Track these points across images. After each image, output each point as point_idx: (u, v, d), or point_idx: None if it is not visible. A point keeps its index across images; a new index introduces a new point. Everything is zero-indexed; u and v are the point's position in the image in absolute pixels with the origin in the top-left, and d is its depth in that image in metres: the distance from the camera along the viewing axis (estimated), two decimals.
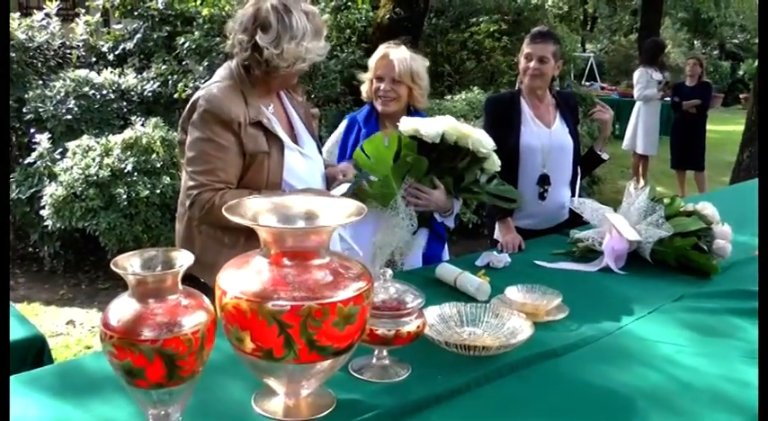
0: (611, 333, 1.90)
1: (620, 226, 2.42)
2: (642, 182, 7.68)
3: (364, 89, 2.74)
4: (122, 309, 1.18)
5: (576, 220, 2.90)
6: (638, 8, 18.32)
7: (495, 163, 2.48)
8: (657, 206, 2.51)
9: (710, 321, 2.01)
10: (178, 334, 1.16)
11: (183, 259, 1.23)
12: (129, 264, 1.20)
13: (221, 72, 2.18)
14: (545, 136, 3.01)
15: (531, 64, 2.99)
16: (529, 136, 2.99)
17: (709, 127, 7.97)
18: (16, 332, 1.89)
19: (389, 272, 1.58)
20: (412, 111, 2.68)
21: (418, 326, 1.57)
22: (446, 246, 2.75)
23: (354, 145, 2.63)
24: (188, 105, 2.13)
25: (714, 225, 2.48)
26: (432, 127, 2.35)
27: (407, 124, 2.40)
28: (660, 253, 2.44)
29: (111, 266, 1.16)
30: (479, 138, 2.38)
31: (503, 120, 3.00)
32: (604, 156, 3.19)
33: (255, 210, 1.36)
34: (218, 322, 1.30)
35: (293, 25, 2.03)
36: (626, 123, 8.80)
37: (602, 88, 14.03)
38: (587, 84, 14.27)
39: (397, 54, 2.62)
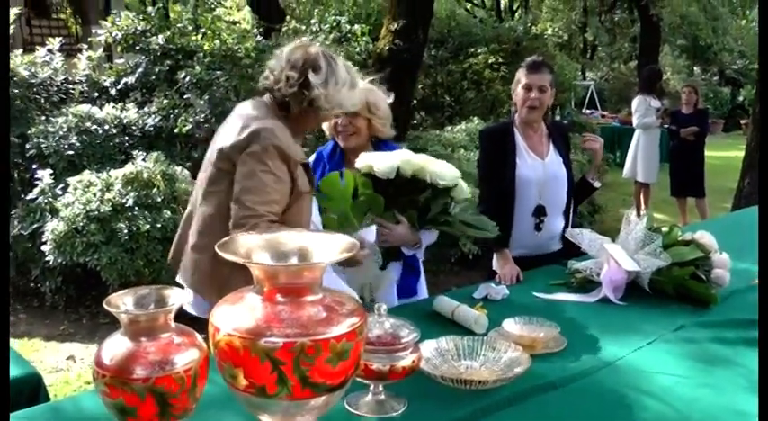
0: (610, 364, 1.90)
1: (618, 256, 2.42)
2: (644, 209, 7.69)
3: (326, 126, 2.70)
4: (115, 347, 1.19)
5: (570, 251, 2.89)
6: (636, 36, 18.50)
7: (462, 191, 2.44)
8: (655, 236, 2.51)
9: (710, 351, 2.00)
10: (170, 372, 1.17)
11: (176, 297, 1.24)
12: (121, 302, 1.21)
13: (259, 109, 2.23)
14: (539, 167, 3.00)
15: (532, 94, 2.98)
16: (524, 168, 2.98)
17: (709, 153, 7.99)
18: (12, 370, 1.89)
19: (384, 307, 1.58)
20: (377, 142, 2.67)
21: (413, 361, 1.57)
22: (422, 279, 2.73)
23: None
24: (243, 135, 2.14)
25: (712, 254, 2.48)
26: (385, 162, 2.34)
27: (362, 161, 2.40)
28: (659, 283, 2.44)
29: (104, 305, 1.16)
30: (436, 170, 2.35)
31: (498, 153, 3.00)
32: (596, 184, 3.21)
33: (249, 247, 1.37)
34: (213, 358, 1.31)
35: (338, 72, 2.19)
36: (627, 151, 8.83)
37: (603, 116, 14.09)
38: (588, 112, 14.35)
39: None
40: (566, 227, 3.07)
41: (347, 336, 1.30)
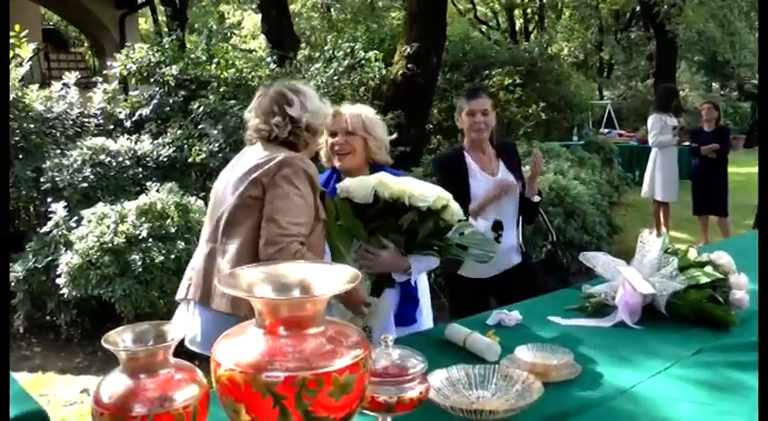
0: (626, 391, 1.86)
1: (633, 279, 2.39)
2: (664, 229, 7.60)
3: (322, 153, 2.71)
4: (114, 384, 1.19)
5: (526, 262, 3.36)
6: (653, 53, 18.47)
7: (453, 213, 2.38)
8: (671, 257, 2.49)
9: (730, 376, 1.96)
10: (169, 409, 1.17)
11: (175, 332, 1.24)
12: (120, 339, 1.21)
13: (272, 148, 2.34)
14: (492, 184, 3.30)
15: (476, 118, 3.31)
16: (477, 187, 3.29)
17: (731, 169, 7.91)
18: (16, 408, 1.89)
19: (391, 337, 1.57)
20: (375, 166, 2.66)
21: (421, 392, 1.55)
22: (422, 307, 2.70)
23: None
24: (275, 162, 2.24)
25: (730, 275, 2.44)
26: (361, 186, 2.33)
27: (341, 185, 2.40)
28: (676, 306, 2.40)
29: (103, 343, 1.17)
30: (415, 193, 2.29)
31: (452, 177, 3.28)
32: (535, 198, 3.42)
33: (250, 281, 1.37)
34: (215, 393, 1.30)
35: (304, 91, 2.41)
36: (645, 170, 8.77)
37: (621, 135, 14.01)
38: (605, 131, 14.27)
39: (348, 109, 2.67)
40: (523, 237, 3.45)
41: (350, 369, 1.28)
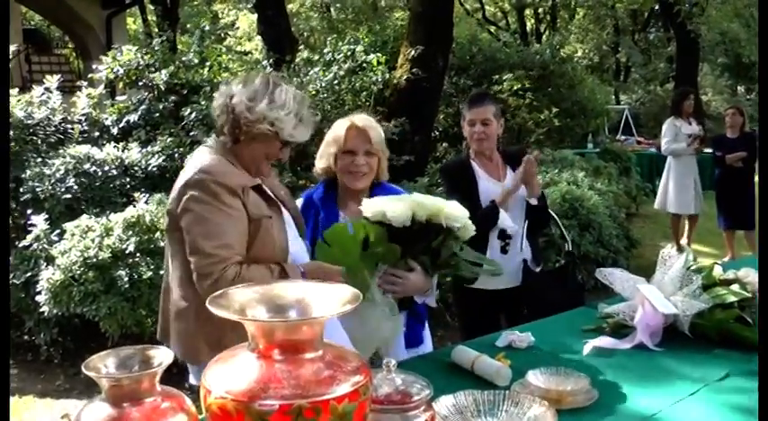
0: (647, 420, 1.85)
1: (654, 298, 2.37)
2: (685, 241, 7.56)
3: (321, 166, 2.69)
4: (95, 414, 1.18)
5: (531, 276, 3.37)
6: (673, 55, 18.52)
7: (469, 229, 2.41)
8: (694, 275, 2.47)
9: None
10: None
11: (163, 357, 1.23)
12: (102, 364, 1.20)
13: (202, 152, 2.29)
14: (498, 190, 3.35)
15: (476, 128, 3.36)
16: (485, 193, 3.36)
17: (760, 179, 7.88)
18: None
19: (393, 362, 1.56)
20: (375, 183, 2.69)
21: (426, 420, 1.54)
22: (426, 325, 2.73)
23: (313, 228, 2.62)
24: (178, 189, 2.19)
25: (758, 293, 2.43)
26: (398, 208, 2.29)
27: (372, 208, 2.33)
28: (700, 326, 2.38)
29: (83, 369, 1.16)
30: (451, 212, 2.33)
31: (459, 185, 3.36)
32: (532, 201, 3.40)
33: (242, 302, 1.36)
34: None
35: (275, 92, 2.23)
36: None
37: (639, 142, 14.01)
38: (622, 138, 14.28)
39: (366, 122, 2.63)
40: (535, 250, 3.47)
41: (350, 397, 1.27)
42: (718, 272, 2.55)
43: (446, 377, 2.06)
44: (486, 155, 3.46)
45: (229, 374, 1.29)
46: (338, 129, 2.65)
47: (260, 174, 2.34)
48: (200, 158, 2.24)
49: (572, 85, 10.43)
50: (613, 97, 21.61)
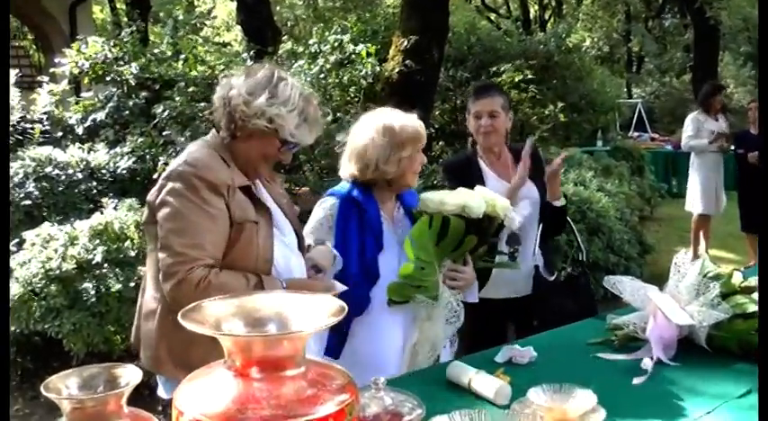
0: None
1: (667, 308, 2.39)
2: (703, 245, 7.57)
3: (393, 170, 2.65)
4: None
5: (541, 286, 3.35)
6: (690, 43, 18.58)
7: (515, 221, 2.74)
8: (712, 282, 2.49)
9: None
10: None
11: (130, 376, 1.23)
12: (64, 385, 1.21)
13: (196, 144, 2.31)
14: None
15: (482, 121, 3.35)
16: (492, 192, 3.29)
17: None
18: None
19: (382, 380, 1.57)
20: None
21: None
22: None
23: (358, 229, 2.65)
24: (160, 180, 2.20)
25: None
26: (477, 202, 2.56)
27: (453, 201, 2.56)
28: (719, 338, 2.40)
29: (42, 391, 1.16)
30: (504, 205, 2.64)
31: (464, 184, 3.19)
32: (557, 202, 3.39)
33: (217, 315, 1.37)
34: None
35: (278, 86, 2.22)
36: (683, 178, 8.77)
37: (653, 139, 14.08)
38: (635, 135, 14.34)
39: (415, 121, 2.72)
40: (548, 256, 3.46)
41: (334, 417, 1.28)
42: (738, 279, 2.56)
43: (441, 395, 2.06)
44: (495, 152, 3.45)
45: (204, 394, 1.29)
46: (405, 130, 2.64)
47: (257, 177, 2.36)
48: (191, 150, 2.26)
49: (579, 77, 10.44)
50: (625, 90, 21.70)
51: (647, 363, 2.28)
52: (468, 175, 3.33)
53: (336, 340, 2.57)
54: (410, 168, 2.66)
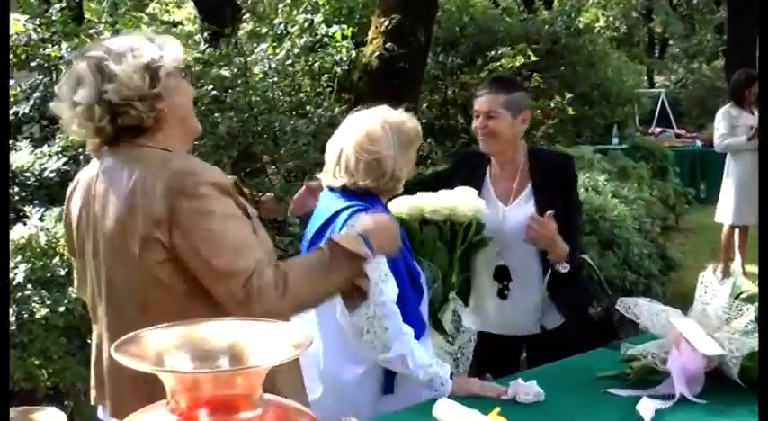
0: None
1: (693, 336, 2.40)
2: (736, 265, 7.58)
3: (405, 175, 2.70)
4: None
5: (552, 335, 3.18)
6: (723, 23, 18.69)
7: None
8: (745, 305, 2.50)
9: None
10: None
11: (53, 420, 1.23)
12: None
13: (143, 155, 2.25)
14: (497, 215, 3.15)
15: (478, 122, 3.22)
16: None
17: None
18: None
19: (353, 420, 1.57)
20: None
21: None
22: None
23: None
24: (155, 207, 2.11)
25: None
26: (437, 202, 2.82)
27: (443, 202, 2.81)
28: (753, 371, 2.41)
29: None
30: (469, 207, 2.86)
31: (464, 182, 3.11)
32: (559, 268, 3.12)
33: (158, 348, 1.35)
34: None
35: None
36: (714, 182, 8.79)
37: (679, 136, 14.10)
38: (658, 130, 14.38)
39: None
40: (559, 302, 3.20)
41: None
42: None
43: None
44: (499, 162, 3.30)
45: None
46: (409, 127, 2.70)
47: (197, 134, 2.48)
48: (148, 162, 2.20)
49: (591, 64, 10.46)
50: (645, 78, 21.79)
51: (648, 410, 2.27)
52: (472, 171, 3.30)
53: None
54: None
